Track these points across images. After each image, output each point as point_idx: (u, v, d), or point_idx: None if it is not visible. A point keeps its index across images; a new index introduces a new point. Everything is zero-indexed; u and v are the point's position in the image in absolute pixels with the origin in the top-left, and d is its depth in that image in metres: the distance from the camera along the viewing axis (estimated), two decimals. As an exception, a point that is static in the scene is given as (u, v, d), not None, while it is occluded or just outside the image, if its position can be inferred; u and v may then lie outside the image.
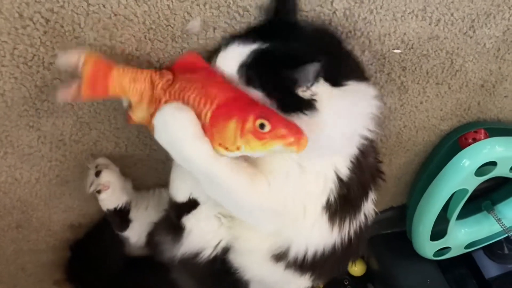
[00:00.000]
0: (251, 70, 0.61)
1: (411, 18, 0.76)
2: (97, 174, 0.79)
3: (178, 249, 0.74)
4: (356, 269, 1.27)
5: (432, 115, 0.96)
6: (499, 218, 1.13)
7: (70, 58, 0.58)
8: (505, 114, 1.02)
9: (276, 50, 0.62)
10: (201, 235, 0.72)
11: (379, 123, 0.68)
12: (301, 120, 0.60)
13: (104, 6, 0.61)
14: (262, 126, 0.55)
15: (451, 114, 0.97)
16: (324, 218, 0.69)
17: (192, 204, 0.71)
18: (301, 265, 0.72)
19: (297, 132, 0.55)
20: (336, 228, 0.70)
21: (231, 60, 0.62)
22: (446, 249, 1.17)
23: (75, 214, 0.90)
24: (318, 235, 0.70)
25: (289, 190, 0.65)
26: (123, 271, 0.93)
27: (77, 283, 0.95)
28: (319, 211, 0.68)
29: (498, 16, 0.81)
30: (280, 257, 0.72)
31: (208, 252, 0.73)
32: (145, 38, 0.66)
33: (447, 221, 1.07)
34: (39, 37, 0.62)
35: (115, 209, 0.82)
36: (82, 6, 0.61)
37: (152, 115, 0.60)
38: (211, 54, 0.68)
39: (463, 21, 0.80)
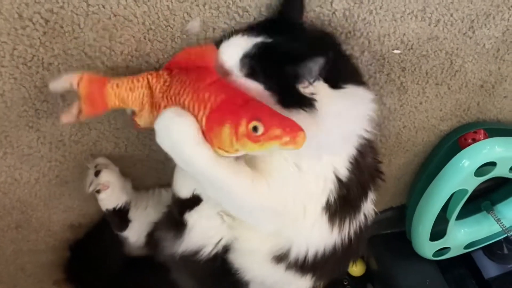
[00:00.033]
0: (254, 61, 0.61)
1: (411, 18, 0.76)
2: (97, 173, 0.79)
3: (179, 245, 0.74)
4: (356, 269, 1.27)
5: (432, 115, 0.96)
6: (499, 218, 1.13)
7: (63, 83, 0.59)
8: (505, 115, 1.02)
9: (280, 46, 0.62)
10: (202, 232, 0.73)
11: (377, 125, 0.68)
12: (300, 116, 0.60)
13: (103, 6, 0.61)
14: (255, 129, 0.54)
15: (450, 115, 0.97)
16: (324, 219, 0.69)
17: (195, 200, 0.71)
18: (302, 266, 0.72)
19: (293, 129, 0.54)
20: (336, 229, 0.70)
21: (235, 49, 0.62)
22: (445, 249, 1.17)
23: (74, 214, 0.90)
24: (318, 235, 0.70)
25: (289, 191, 0.65)
26: (123, 271, 0.93)
27: (77, 283, 0.95)
28: (319, 211, 0.68)
29: (498, 16, 0.81)
30: (281, 258, 0.72)
31: (209, 249, 0.73)
32: (145, 39, 0.66)
33: (446, 221, 1.08)
34: (39, 38, 0.62)
35: (114, 209, 0.82)
36: (82, 7, 0.61)
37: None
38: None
39: (462, 22, 0.80)
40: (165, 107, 0.60)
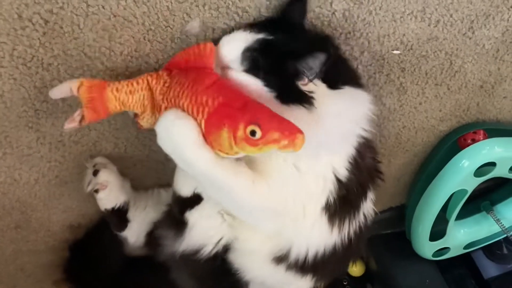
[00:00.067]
0: (256, 55, 0.61)
1: (410, 19, 0.76)
2: (95, 173, 0.79)
3: (180, 244, 0.74)
4: (355, 269, 1.27)
5: (431, 116, 0.96)
6: (498, 219, 1.13)
7: (63, 90, 0.59)
8: (504, 115, 1.02)
9: (281, 43, 0.62)
10: (203, 231, 0.73)
11: (376, 125, 0.68)
12: (299, 113, 0.60)
13: (103, 7, 0.61)
14: (253, 133, 0.54)
15: (450, 115, 0.97)
16: (323, 219, 0.69)
17: (195, 199, 0.71)
18: (303, 266, 0.72)
19: (291, 132, 0.53)
20: (336, 229, 0.71)
21: (236, 43, 0.62)
22: (445, 250, 1.17)
23: (74, 215, 0.90)
24: (318, 235, 0.70)
25: (289, 191, 0.65)
26: (122, 271, 0.93)
27: (76, 283, 0.95)
28: (319, 211, 0.68)
29: (497, 17, 0.81)
30: (281, 258, 0.72)
31: (209, 248, 0.73)
32: (144, 39, 0.66)
33: (446, 222, 1.08)
34: (38, 38, 0.62)
35: (113, 208, 0.82)
36: (82, 7, 0.61)
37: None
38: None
39: (462, 22, 0.80)
40: (165, 109, 0.60)
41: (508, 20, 0.82)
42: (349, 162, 0.67)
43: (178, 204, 0.74)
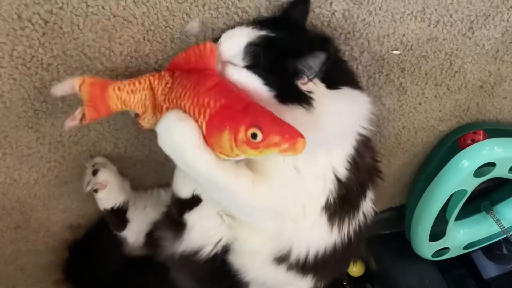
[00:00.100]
0: (258, 50, 0.61)
1: (410, 19, 0.76)
2: (94, 173, 0.79)
3: (179, 245, 0.74)
4: (355, 269, 1.27)
5: (431, 116, 0.96)
6: (498, 219, 1.13)
7: (64, 87, 0.59)
8: (504, 115, 1.02)
9: (282, 41, 0.62)
10: (202, 232, 0.73)
11: (376, 125, 0.68)
12: (298, 112, 0.60)
13: (103, 7, 0.61)
14: (254, 136, 0.54)
15: (450, 115, 0.97)
16: (323, 219, 0.69)
17: (194, 201, 0.71)
18: (303, 267, 0.72)
19: (292, 136, 0.53)
20: (336, 228, 0.71)
21: (239, 37, 0.62)
22: (445, 250, 1.17)
23: (74, 215, 0.90)
24: (318, 235, 0.70)
25: (289, 191, 0.65)
26: (122, 271, 0.93)
27: (76, 283, 0.95)
28: (319, 211, 0.68)
29: (497, 17, 0.81)
30: (282, 259, 0.72)
31: (208, 249, 0.73)
32: (144, 40, 0.66)
33: (446, 222, 1.08)
34: (38, 39, 0.62)
35: (112, 208, 0.82)
36: (81, 8, 0.61)
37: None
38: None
39: (462, 23, 0.80)
40: (167, 109, 0.60)
41: (508, 20, 0.82)
42: (348, 162, 0.68)
43: (177, 206, 0.74)
